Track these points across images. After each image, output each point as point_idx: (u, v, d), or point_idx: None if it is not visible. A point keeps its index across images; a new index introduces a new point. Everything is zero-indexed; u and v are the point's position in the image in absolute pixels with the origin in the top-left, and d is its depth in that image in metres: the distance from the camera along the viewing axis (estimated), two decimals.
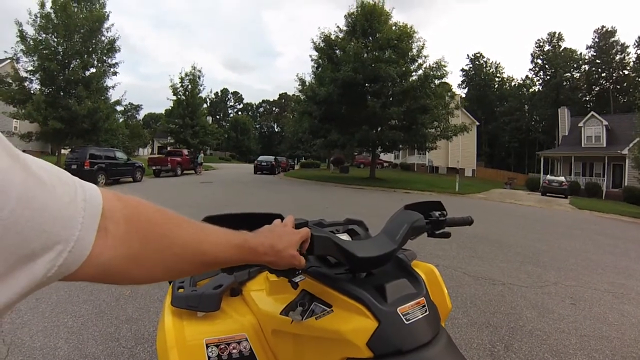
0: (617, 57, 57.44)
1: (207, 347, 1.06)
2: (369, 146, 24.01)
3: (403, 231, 1.09)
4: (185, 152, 25.66)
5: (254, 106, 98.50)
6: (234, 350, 1.08)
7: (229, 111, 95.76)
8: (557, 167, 34.38)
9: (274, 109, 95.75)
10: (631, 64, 55.90)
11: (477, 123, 43.82)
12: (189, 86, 34.04)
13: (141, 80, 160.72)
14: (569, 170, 32.55)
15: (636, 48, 55.07)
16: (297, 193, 16.02)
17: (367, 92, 21.28)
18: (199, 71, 34.90)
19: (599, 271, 5.81)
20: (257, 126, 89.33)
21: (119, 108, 24.82)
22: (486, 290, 4.45)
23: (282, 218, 0.93)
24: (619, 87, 57.39)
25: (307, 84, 23.35)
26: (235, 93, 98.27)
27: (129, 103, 27.19)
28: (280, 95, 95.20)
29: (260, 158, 30.95)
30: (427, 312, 0.96)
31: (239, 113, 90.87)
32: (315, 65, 23.53)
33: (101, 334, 2.89)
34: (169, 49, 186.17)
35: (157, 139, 56.49)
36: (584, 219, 14.09)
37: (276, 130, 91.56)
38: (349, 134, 21.86)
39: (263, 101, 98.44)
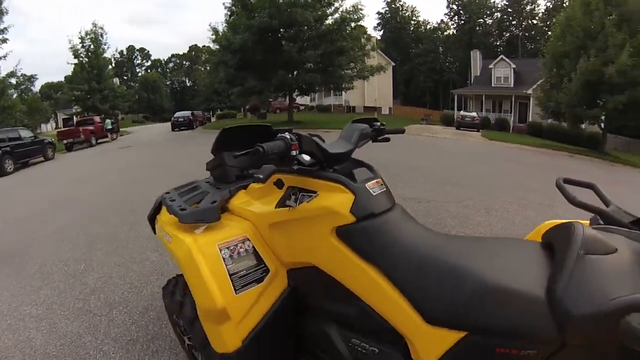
0: (528, 7, 63.14)
1: (220, 250, 1.42)
2: (286, 90, 24.51)
3: (355, 136, 1.54)
4: (98, 119, 24.01)
5: (163, 62, 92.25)
6: (241, 250, 1.46)
7: (137, 70, 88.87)
8: (470, 105, 37.73)
9: (184, 62, 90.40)
10: (540, 14, 61.87)
11: (393, 64, 45.92)
12: (91, 46, 31.38)
13: (31, 46, 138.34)
14: (480, 108, 36.11)
15: (545, 1, 62.46)
16: None
17: (283, 37, 21.53)
18: (101, 28, 32.20)
19: (507, 188, 6.81)
20: (168, 82, 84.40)
21: (13, 81, 21.88)
22: (414, 207, 5.14)
23: (270, 127, 1.36)
24: (527, 34, 62.95)
25: (220, 33, 23.01)
26: (142, 50, 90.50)
27: (22, 74, 23.86)
28: (190, 47, 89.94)
29: (177, 114, 30.31)
30: (385, 189, 1.40)
31: (148, 71, 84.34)
32: (229, 13, 23.13)
33: (71, 311, 2.95)
34: (60, 6, 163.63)
35: (61, 110, 50.00)
36: (493, 149, 16.28)
37: (188, 84, 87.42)
38: (266, 80, 22.14)
39: (172, 55, 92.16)
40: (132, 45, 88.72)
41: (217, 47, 23.23)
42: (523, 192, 6.61)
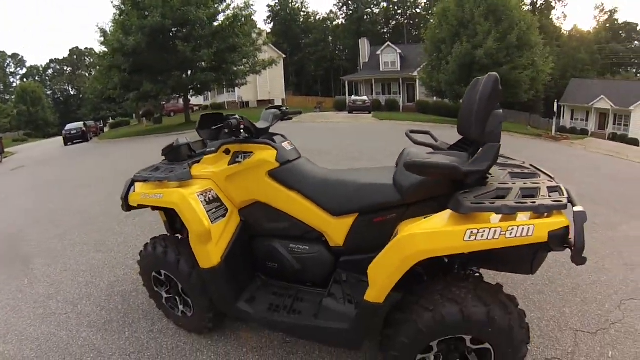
0: None
1: (198, 196, 2.14)
2: (182, 91, 24.25)
3: (271, 117, 2.45)
4: None
5: (41, 69, 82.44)
6: (209, 196, 2.19)
7: (11, 80, 78.99)
8: (361, 89, 40.35)
9: (65, 68, 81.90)
10: (423, 4, 67.64)
11: (284, 56, 47.25)
12: None
13: None
14: (371, 91, 38.86)
15: None
16: (129, 150, 15.83)
17: (176, 37, 21.14)
18: None
19: (394, 156, 7.91)
20: (50, 92, 75.51)
21: None
22: None
23: (222, 114, 2.35)
24: (412, 22, 68.29)
25: (109, 34, 21.61)
26: (14, 56, 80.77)
27: None
28: (71, 50, 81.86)
29: (68, 127, 27.58)
30: (294, 147, 2.31)
31: (24, 80, 73.80)
32: (118, 12, 21.66)
33: (34, 318, 3.02)
34: None
35: None
36: (384, 127, 18.42)
37: (73, 93, 79.04)
38: (161, 83, 21.74)
39: (51, 61, 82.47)
40: (3, 52, 79.24)
41: (106, 50, 21.80)
42: None
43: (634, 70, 60.57)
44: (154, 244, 2.49)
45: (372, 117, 24.89)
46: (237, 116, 2.21)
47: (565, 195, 1.61)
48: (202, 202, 2.12)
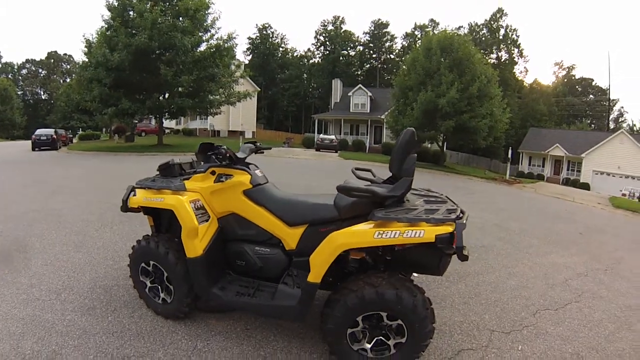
0: (387, 44, 72.64)
1: (189, 203, 2.84)
2: (158, 113, 24.42)
3: (248, 149, 3.27)
4: None
5: (16, 67, 79.44)
6: (198, 204, 2.90)
7: None
8: (330, 128, 41.87)
9: (40, 71, 79.28)
10: (397, 51, 71.71)
11: (259, 89, 48.85)
12: None
13: None
14: (339, 131, 40.29)
15: (402, 40, 72.20)
16: (103, 165, 15.90)
17: (160, 59, 21.44)
18: None
19: None
20: (20, 92, 72.05)
21: None
22: None
23: (213, 143, 3.19)
24: (385, 67, 71.80)
25: (93, 46, 21.70)
26: None
27: None
28: (49, 54, 79.75)
29: (39, 132, 26.70)
30: (263, 174, 3.20)
31: None
32: (106, 26, 21.72)
33: (17, 302, 3.21)
34: None
35: None
36: (347, 165, 18.61)
37: (44, 97, 76.32)
38: (140, 102, 21.86)
39: (27, 61, 79.78)
40: None
41: (89, 61, 21.69)
42: None
43: (588, 122, 66.24)
44: (147, 239, 3.09)
45: (338, 156, 26.03)
46: (224, 147, 3.01)
47: (458, 215, 2.33)
48: (192, 207, 2.82)
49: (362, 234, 2.32)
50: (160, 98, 22.75)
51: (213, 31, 23.59)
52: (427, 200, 2.78)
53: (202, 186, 2.96)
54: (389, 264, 2.67)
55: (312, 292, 2.50)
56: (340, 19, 73.60)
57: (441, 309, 3.74)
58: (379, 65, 71.91)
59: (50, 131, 27.51)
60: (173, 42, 20.23)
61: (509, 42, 63.29)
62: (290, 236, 2.76)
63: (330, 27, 73.58)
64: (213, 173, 2.97)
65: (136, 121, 34.24)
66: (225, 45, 23.17)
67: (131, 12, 21.45)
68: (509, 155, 25.71)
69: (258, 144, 3.43)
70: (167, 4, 22.50)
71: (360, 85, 43.27)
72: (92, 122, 43.38)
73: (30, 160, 18.00)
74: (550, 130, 46.63)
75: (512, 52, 63.89)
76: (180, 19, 22.05)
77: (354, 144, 36.04)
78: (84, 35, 22.14)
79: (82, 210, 6.73)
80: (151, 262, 3.06)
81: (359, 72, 73.10)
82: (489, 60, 49.50)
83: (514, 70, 64.02)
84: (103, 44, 20.87)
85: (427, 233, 2.21)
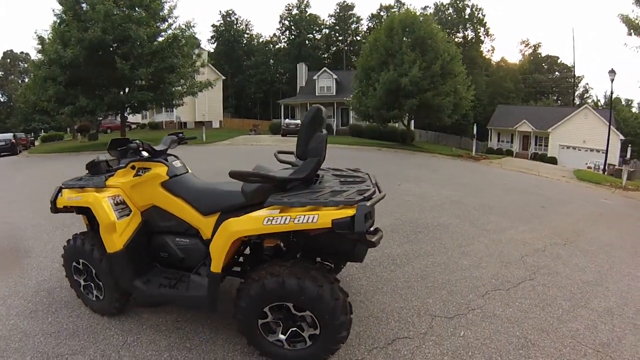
0: (353, 26, 72.34)
1: (108, 199, 2.87)
2: (119, 109, 23.78)
3: (169, 142, 3.28)
4: None
5: None
6: (117, 199, 2.94)
7: None
8: (297, 113, 41.64)
9: None
10: (363, 32, 70.87)
11: (224, 77, 48.37)
12: None
13: None
14: None
15: (368, 21, 71.64)
16: (61, 165, 15.68)
17: (115, 53, 20.64)
18: None
19: None
20: None
21: None
22: None
23: (129, 139, 3.23)
24: (352, 49, 71.30)
25: (47, 42, 20.86)
26: None
27: None
28: (5, 53, 75.96)
29: None
30: (182, 164, 3.21)
31: None
32: (58, 21, 20.79)
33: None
34: None
35: None
36: None
37: (2, 99, 73.79)
38: (98, 98, 21.17)
39: None
40: None
41: (42, 58, 20.89)
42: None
43: (554, 98, 67.89)
44: (75, 238, 3.18)
45: None
46: (137, 141, 3.10)
47: (368, 196, 2.23)
48: (111, 203, 2.86)
49: (253, 221, 2.29)
50: (121, 93, 22.17)
51: (170, 21, 23.02)
52: (344, 181, 2.73)
53: (122, 181, 3.01)
54: (306, 252, 2.69)
55: (215, 282, 2.51)
56: (305, 2, 72.69)
57: (382, 295, 3.64)
58: (345, 48, 71.56)
59: (9, 136, 26.66)
60: (128, 34, 19.59)
61: (475, 21, 63.71)
62: (206, 225, 2.76)
63: (295, 11, 72.56)
64: (133, 167, 3.00)
65: (100, 118, 33.33)
66: (184, 34, 22.66)
67: (83, 5, 20.58)
68: (474, 132, 26.11)
69: (181, 134, 3.45)
70: None
71: (325, 68, 43.13)
72: (55, 123, 41.95)
73: None
74: (517, 107, 47.72)
75: (479, 31, 64.50)
76: (137, 9, 21.37)
77: None
78: (35, 32, 21.22)
79: (34, 215, 6.70)
80: (81, 261, 3.12)
81: (325, 56, 72.52)
82: (455, 40, 50.14)
83: (481, 49, 64.93)
84: (56, 40, 20.09)
85: (321, 218, 2.11)
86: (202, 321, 3.13)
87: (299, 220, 2.15)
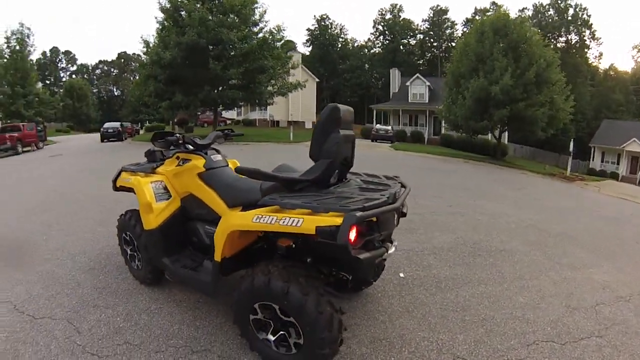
0: (447, 31, 70.51)
1: (150, 184, 3.35)
2: (211, 105, 25.80)
3: (213, 137, 3.57)
4: (23, 126, 22.41)
5: (90, 68, 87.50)
6: (160, 185, 3.40)
7: (61, 74, 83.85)
8: (389, 119, 41.31)
9: (112, 70, 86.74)
10: (457, 38, 68.09)
11: (317, 80, 49.46)
12: (17, 47, 30.13)
13: None
14: (398, 121, 39.62)
15: (463, 26, 68.95)
16: None
17: (209, 55, 22.70)
18: (28, 29, 31.12)
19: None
20: (95, 90, 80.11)
21: None
22: None
23: (171, 132, 3.69)
24: (447, 55, 68.97)
25: (151, 46, 23.77)
26: (67, 53, 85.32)
27: None
28: (119, 55, 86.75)
29: (106, 125, 30.45)
30: (221, 157, 3.42)
31: (73, 76, 79.13)
32: (160, 27, 23.72)
33: (40, 260, 4.43)
34: None
35: None
36: (395, 156, 19.44)
37: (116, 94, 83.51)
38: (192, 95, 23.25)
39: (100, 62, 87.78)
40: (56, 47, 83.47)
41: (148, 60, 23.87)
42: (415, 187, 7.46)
43: None
44: (126, 213, 3.68)
45: (389, 147, 25.42)
46: (177, 134, 3.43)
47: (370, 205, 2.10)
48: (152, 187, 3.28)
49: (245, 217, 2.41)
50: (214, 91, 24.04)
51: (262, 25, 24.73)
52: (365, 187, 2.60)
53: (168, 169, 3.39)
54: (317, 258, 2.63)
55: (215, 269, 2.70)
56: (398, 6, 72.79)
57: (408, 319, 3.22)
58: (440, 54, 69.56)
59: (117, 124, 31.06)
60: (220, 38, 21.56)
61: (579, 23, 58.05)
62: (230, 215, 2.83)
63: (388, 16, 72.90)
64: (177, 158, 3.34)
65: (198, 113, 36.18)
66: (274, 37, 24.13)
67: (182, 12, 23.02)
68: (570, 149, 23.30)
69: (227, 131, 3.73)
70: (215, 2, 23.74)
71: (417, 74, 42.22)
72: (159, 115, 46.50)
73: (97, 149, 20.81)
74: (627, 123, 41.53)
75: (583, 34, 58.67)
76: (230, 15, 23.28)
77: (412, 135, 35.13)
78: (141, 37, 24.17)
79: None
80: (128, 233, 3.61)
81: (420, 62, 71.26)
82: (555, 44, 45.58)
83: (586, 55, 58.86)
84: (159, 44, 22.88)
85: (306, 223, 2.04)
86: (219, 307, 3.29)
87: (283, 222, 2.13)
